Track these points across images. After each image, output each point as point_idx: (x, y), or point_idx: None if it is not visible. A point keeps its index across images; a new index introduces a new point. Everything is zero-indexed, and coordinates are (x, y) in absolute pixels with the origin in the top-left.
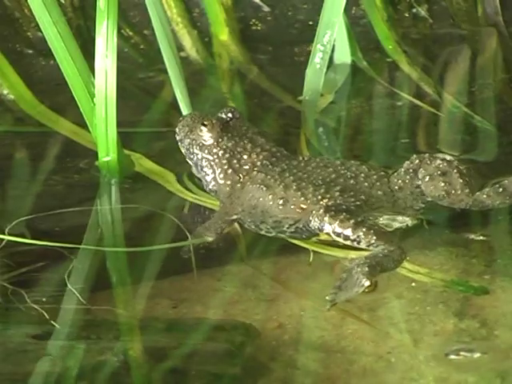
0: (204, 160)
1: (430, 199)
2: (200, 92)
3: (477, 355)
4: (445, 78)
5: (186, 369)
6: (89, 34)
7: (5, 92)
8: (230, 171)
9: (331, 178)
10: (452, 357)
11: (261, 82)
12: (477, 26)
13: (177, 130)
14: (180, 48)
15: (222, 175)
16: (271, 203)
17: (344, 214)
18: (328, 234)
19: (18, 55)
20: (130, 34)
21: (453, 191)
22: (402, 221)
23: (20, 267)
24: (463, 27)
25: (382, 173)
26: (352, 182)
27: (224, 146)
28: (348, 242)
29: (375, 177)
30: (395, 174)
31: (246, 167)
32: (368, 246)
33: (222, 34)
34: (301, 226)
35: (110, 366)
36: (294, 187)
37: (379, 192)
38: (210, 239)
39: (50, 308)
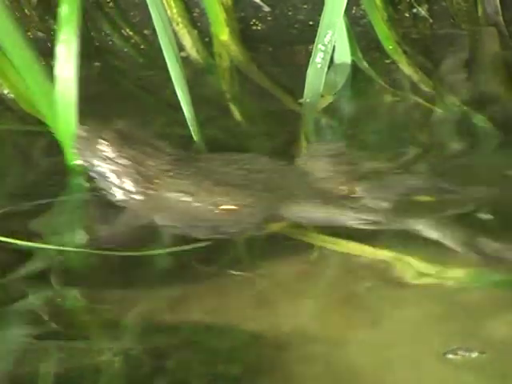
0: (108, 172)
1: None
2: (200, 92)
3: (475, 355)
4: (445, 78)
5: (186, 369)
6: (89, 34)
7: (5, 91)
8: (138, 180)
9: (240, 174)
10: (450, 356)
11: (261, 81)
12: (477, 25)
13: (75, 144)
14: (180, 48)
15: (130, 185)
16: (201, 210)
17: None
18: (296, 219)
19: None
20: (130, 33)
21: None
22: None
23: (18, 266)
24: (463, 27)
25: (283, 162)
26: (263, 175)
27: (127, 155)
28: (319, 222)
29: (279, 166)
30: (297, 161)
31: (154, 173)
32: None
33: (223, 33)
34: (242, 225)
35: (110, 366)
36: (217, 190)
37: (294, 180)
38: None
39: (50, 308)
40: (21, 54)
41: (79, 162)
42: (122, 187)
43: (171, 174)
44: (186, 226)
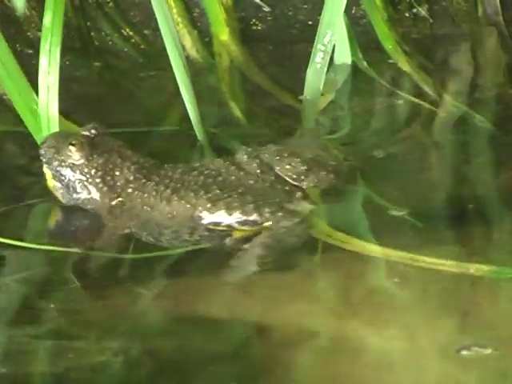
0: (77, 181)
1: (293, 181)
2: (200, 92)
3: (489, 351)
4: (445, 78)
5: (186, 369)
6: (89, 34)
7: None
8: (105, 189)
9: (201, 180)
10: (464, 353)
11: (261, 81)
12: (477, 25)
13: (42, 151)
14: None
15: (98, 194)
16: (161, 218)
17: (236, 201)
18: (231, 226)
19: (18, 55)
20: (130, 33)
21: (313, 164)
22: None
23: (20, 268)
24: (463, 27)
25: (237, 161)
26: (220, 178)
27: (95, 164)
28: (255, 228)
29: (234, 167)
30: (240, 163)
31: (120, 183)
32: (277, 223)
33: (223, 33)
34: (203, 231)
35: (110, 366)
36: (176, 198)
37: (250, 181)
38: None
39: (50, 308)
40: (2, 62)
41: (45, 170)
42: (89, 197)
43: (135, 185)
44: (152, 235)
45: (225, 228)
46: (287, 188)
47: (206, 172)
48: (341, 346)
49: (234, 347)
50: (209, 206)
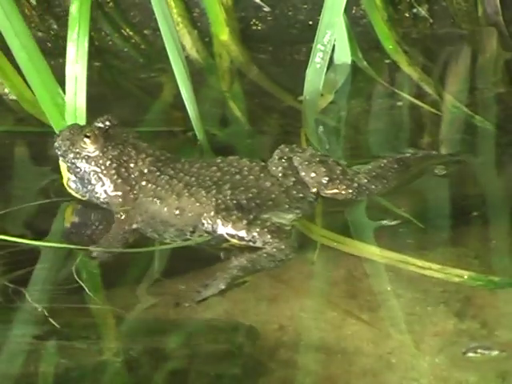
0: (92, 173)
1: (313, 188)
2: (200, 92)
3: (495, 353)
4: (445, 78)
5: (186, 369)
6: (89, 34)
7: (6, 91)
8: (119, 181)
9: (218, 176)
10: (471, 355)
11: (261, 81)
12: (477, 25)
13: (56, 145)
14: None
15: (112, 186)
16: (168, 214)
17: (236, 213)
18: (223, 236)
19: None
20: (130, 33)
21: (335, 176)
22: (297, 213)
23: (20, 267)
24: (463, 27)
25: (263, 163)
26: (238, 177)
27: (110, 156)
28: (243, 243)
29: (257, 168)
30: (270, 163)
31: (135, 175)
32: (264, 244)
33: (223, 33)
34: (203, 232)
35: (110, 366)
36: (187, 194)
37: (267, 183)
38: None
39: (50, 308)
40: (29, 56)
41: (60, 163)
42: (103, 189)
43: (149, 177)
44: (157, 230)
45: (218, 236)
46: (301, 195)
47: (225, 169)
48: (341, 347)
49: (233, 347)
50: (212, 214)
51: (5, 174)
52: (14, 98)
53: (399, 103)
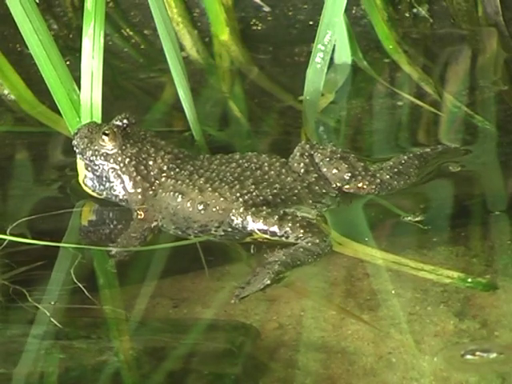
0: (110, 170)
1: (335, 184)
2: (200, 92)
3: (493, 355)
4: (445, 78)
5: (186, 369)
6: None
7: (5, 92)
8: (138, 178)
9: (238, 172)
10: (469, 357)
11: (261, 81)
12: (477, 25)
13: (75, 142)
14: (180, 48)
15: (131, 183)
16: (191, 209)
17: (265, 208)
18: (253, 231)
19: (18, 55)
20: (131, 33)
21: (357, 172)
22: (321, 208)
23: (21, 267)
24: (463, 27)
25: (283, 159)
26: (259, 172)
27: (129, 154)
28: (275, 238)
29: (278, 164)
30: (291, 159)
31: (154, 173)
32: (296, 239)
33: (223, 33)
34: (228, 227)
35: (110, 366)
36: (210, 189)
37: (289, 178)
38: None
39: (50, 308)
40: (46, 52)
41: (78, 161)
42: (122, 186)
43: (169, 173)
44: (180, 227)
45: (248, 231)
46: (324, 191)
47: (245, 165)
48: (341, 346)
49: (233, 346)
50: (241, 210)
51: (5, 174)
52: (14, 98)
53: (399, 103)
